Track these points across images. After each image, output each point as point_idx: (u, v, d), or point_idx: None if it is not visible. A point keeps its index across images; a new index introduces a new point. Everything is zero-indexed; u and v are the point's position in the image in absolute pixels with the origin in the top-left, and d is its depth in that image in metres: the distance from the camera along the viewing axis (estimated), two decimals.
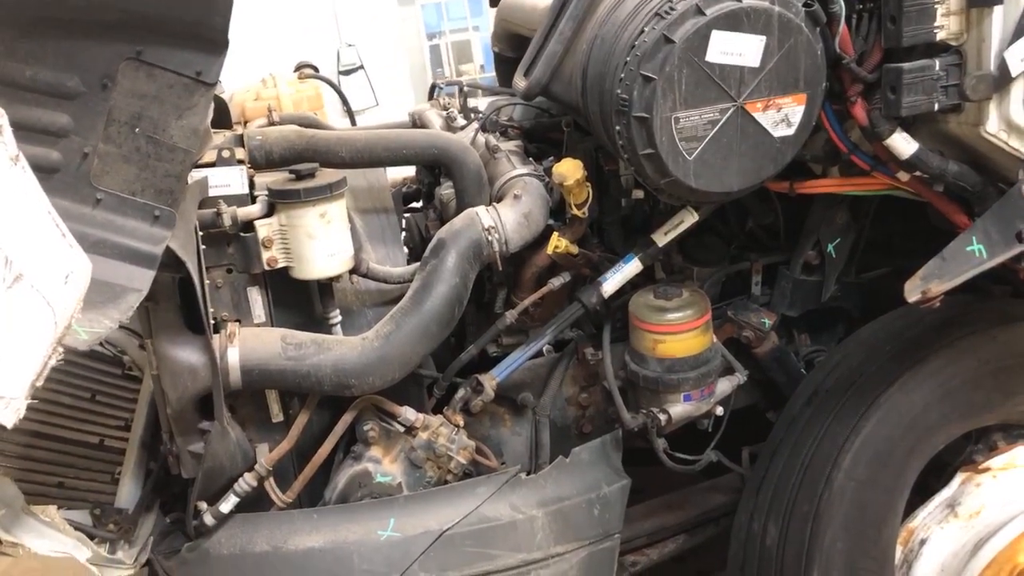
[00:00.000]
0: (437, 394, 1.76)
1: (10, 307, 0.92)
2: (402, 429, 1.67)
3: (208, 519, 1.57)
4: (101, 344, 1.73)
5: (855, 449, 1.64)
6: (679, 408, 1.73)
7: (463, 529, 1.58)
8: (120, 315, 1.21)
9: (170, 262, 1.34)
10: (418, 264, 1.66)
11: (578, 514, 1.67)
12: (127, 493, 1.77)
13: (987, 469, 1.71)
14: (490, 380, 1.71)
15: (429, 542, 1.56)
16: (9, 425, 0.93)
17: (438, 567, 1.55)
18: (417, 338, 1.57)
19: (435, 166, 2.10)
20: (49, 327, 0.98)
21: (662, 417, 1.72)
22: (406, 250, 1.95)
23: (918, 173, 1.47)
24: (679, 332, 1.70)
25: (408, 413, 1.66)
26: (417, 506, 1.61)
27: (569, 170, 1.61)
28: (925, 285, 1.43)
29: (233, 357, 1.49)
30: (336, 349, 1.54)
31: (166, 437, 1.62)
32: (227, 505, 1.58)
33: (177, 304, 1.49)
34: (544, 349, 1.80)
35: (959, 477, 1.72)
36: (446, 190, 1.89)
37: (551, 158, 1.81)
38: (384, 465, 1.67)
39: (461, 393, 1.70)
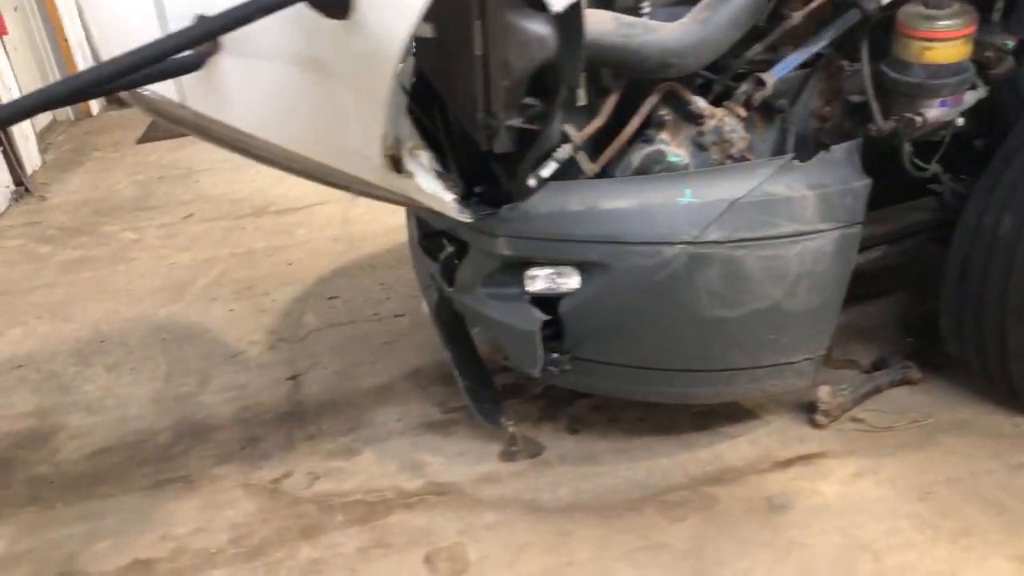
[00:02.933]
0: (715, 91, 1.95)
1: None
2: (693, 116, 1.88)
3: (532, 182, 1.81)
4: None
5: None
6: (934, 112, 1.93)
7: (750, 199, 1.82)
8: None
9: None
10: None
11: (836, 200, 1.91)
12: None
13: None
14: (770, 78, 1.90)
15: (723, 208, 1.81)
16: None
17: (730, 228, 1.81)
18: (729, 26, 1.75)
19: None
20: None
21: (918, 119, 1.92)
22: None
23: None
24: (947, 39, 1.87)
25: (699, 102, 1.87)
26: (709, 179, 1.85)
27: None
28: None
29: None
30: (662, 31, 1.73)
31: (480, 115, 1.83)
32: (547, 171, 1.82)
33: None
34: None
35: None
36: None
37: None
38: (672, 147, 1.89)
39: (744, 88, 1.90)
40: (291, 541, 2.01)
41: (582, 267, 1.88)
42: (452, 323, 2.33)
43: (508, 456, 2.22)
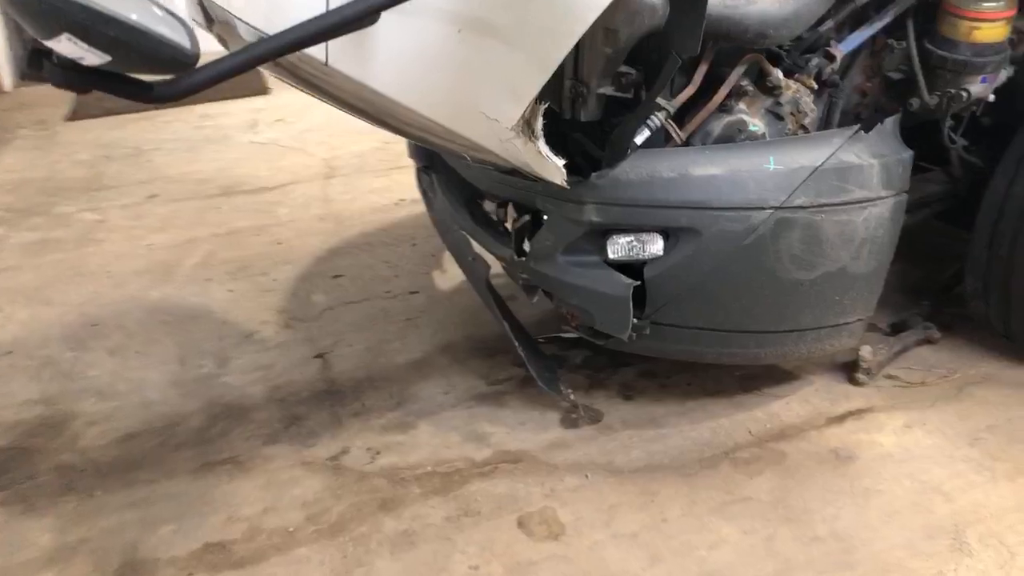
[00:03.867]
0: (785, 65, 2.03)
1: None
2: (770, 87, 1.96)
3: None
4: None
5: None
6: (977, 88, 2.09)
7: (828, 166, 1.92)
8: None
9: None
10: None
11: (892, 168, 2.03)
12: None
13: None
14: (839, 52, 2.00)
15: (806, 174, 1.90)
16: None
17: (813, 193, 1.90)
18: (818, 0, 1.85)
19: None
20: None
21: (964, 94, 2.08)
22: None
23: None
24: (994, 20, 2.02)
25: (778, 73, 1.95)
26: (790, 148, 1.94)
27: None
28: None
29: None
30: (760, 2, 1.80)
31: (569, 82, 1.85)
32: (640, 137, 1.86)
33: None
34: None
35: None
36: None
37: None
38: (751, 117, 1.97)
39: (816, 61, 2.00)
40: (371, 515, 1.98)
41: (667, 233, 1.93)
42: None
43: (570, 423, 2.25)
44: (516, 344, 2.26)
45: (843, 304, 2.07)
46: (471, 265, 2.38)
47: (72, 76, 1.17)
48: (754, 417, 2.22)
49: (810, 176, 1.90)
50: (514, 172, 2.04)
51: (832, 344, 2.15)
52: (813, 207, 1.91)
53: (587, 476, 2.05)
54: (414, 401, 2.39)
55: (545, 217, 2.04)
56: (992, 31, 2.03)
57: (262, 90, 5.42)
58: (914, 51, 2.10)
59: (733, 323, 2.02)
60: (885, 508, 1.89)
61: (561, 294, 2.07)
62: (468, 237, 2.37)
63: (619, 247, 1.96)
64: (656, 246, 1.95)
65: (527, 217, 2.10)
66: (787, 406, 2.25)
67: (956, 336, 2.47)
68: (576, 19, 1.46)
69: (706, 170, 1.89)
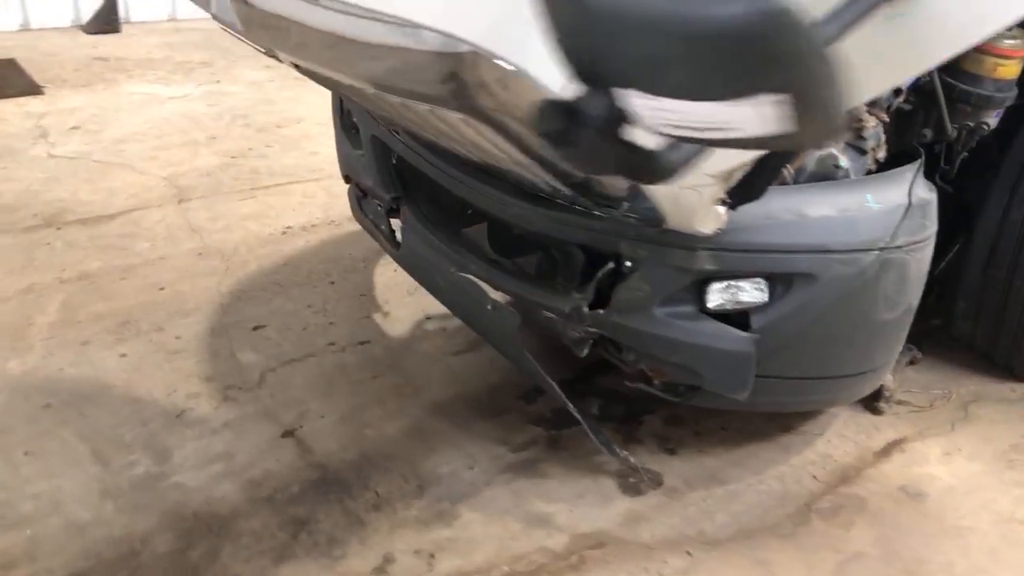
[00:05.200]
0: None
1: None
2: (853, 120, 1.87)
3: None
4: None
5: None
6: (993, 121, 2.16)
7: (912, 202, 1.87)
8: None
9: None
10: None
11: (934, 206, 2.05)
12: None
13: None
14: (904, 85, 1.96)
15: (902, 212, 1.83)
16: None
17: (907, 232, 1.84)
18: None
19: None
20: None
21: (983, 127, 2.14)
22: None
23: None
24: (1016, 58, 2.10)
25: (861, 106, 1.86)
26: (881, 185, 1.86)
27: None
28: None
29: None
30: None
31: None
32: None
33: None
34: None
35: None
36: None
37: None
38: (839, 153, 1.87)
39: (885, 96, 1.94)
40: None
41: (774, 278, 1.77)
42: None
43: (631, 489, 2.01)
44: (567, 403, 1.98)
45: (901, 339, 2.04)
46: (490, 316, 2.05)
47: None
48: (808, 460, 2.13)
49: (905, 214, 1.83)
50: (584, 210, 1.77)
51: (883, 379, 2.12)
52: (906, 246, 1.85)
53: (689, 554, 1.83)
54: (437, 482, 2.01)
55: (627, 263, 1.78)
56: (1013, 68, 2.11)
57: (33, 89, 4.46)
58: (938, 85, 2.12)
59: (825, 370, 1.91)
60: (983, 546, 1.89)
61: (656, 351, 1.83)
62: (477, 281, 2.04)
63: (721, 296, 1.77)
64: (761, 293, 1.78)
65: (610, 264, 1.83)
66: (831, 444, 2.19)
67: (928, 355, 2.57)
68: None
69: (820, 211, 1.75)
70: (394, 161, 2.31)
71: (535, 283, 1.98)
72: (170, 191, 3.41)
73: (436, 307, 2.68)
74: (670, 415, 2.25)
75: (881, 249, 1.79)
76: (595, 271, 1.84)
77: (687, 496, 2.00)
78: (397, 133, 2.18)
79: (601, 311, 1.82)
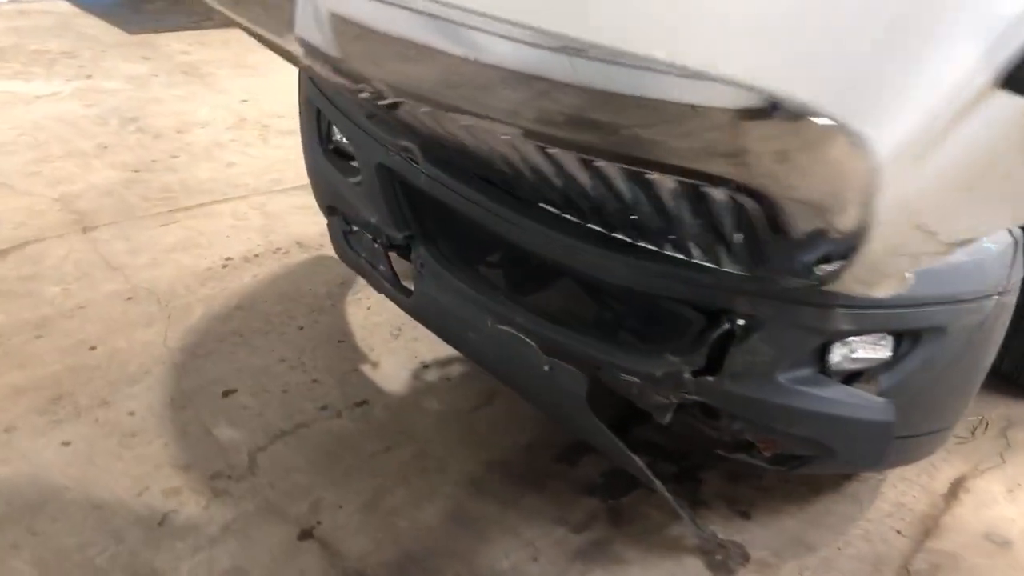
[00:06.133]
0: None
1: None
2: None
3: None
4: None
5: None
6: None
7: (1017, 239, 1.73)
8: None
9: None
10: None
11: None
12: None
13: None
14: None
15: (1012, 251, 1.67)
16: None
17: (1017, 273, 1.69)
18: None
19: None
20: None
21: None
22: None
23: None
24: None
25: None
26: None
27: None
28: None
29: None
30: None
31: None
32: None
33: None
34: None
35: None
36: None
37: None
38: None
39: None
40: None
41: (902, 334, 1.58)
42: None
43: (720, 567, 1.78)
44: (652, 479, 1.72)
45: None
46: (545, 378, 1.75)
47: None
48: (884, 512, 1.97)
49: (1015, 254, 1.69)
50: (687, 261, 1.51)
51: None
52: (1013, 287, 1.71)
53: None
54: None
55: (739, 322, 1.53)
56: None
57: None
58: None
59: (937, 423, 1.74)
60: None
61: (777, 423, 1.59)
62: (527, 339, 1.74)
63: (840, 355, 1.55)
64: (884, 350, 1.58)
65: (727, 325, 1.56)
66: (897, 489, 2.04)
67: None
68: None
69: (955, 256, 1.56)
70: (404, 193, 1.95)
71: (612, 342, 1.70)
72: (68, 216, 2.84)
73: (429, 351, 2.35)
74: (727, 473, 2.03)
75: (1000, 293, 1.64)
76: (701, 330, 1.59)
77: (779, 570, 1.79)
78: (416, 162, 1.82)
79: (710, 378, 1.56)
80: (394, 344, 2.38)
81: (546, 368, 1.73)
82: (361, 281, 2.62)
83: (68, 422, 1.95)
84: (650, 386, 1.66)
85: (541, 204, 1.63)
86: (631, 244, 1.56)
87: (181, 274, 2.58)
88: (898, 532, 1.92)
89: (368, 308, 2.52)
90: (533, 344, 1.74)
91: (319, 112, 2.12)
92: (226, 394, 2.11)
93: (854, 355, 1.57)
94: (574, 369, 1.71)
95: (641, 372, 1.63)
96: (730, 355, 1.54)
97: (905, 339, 1.57)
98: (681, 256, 1.50)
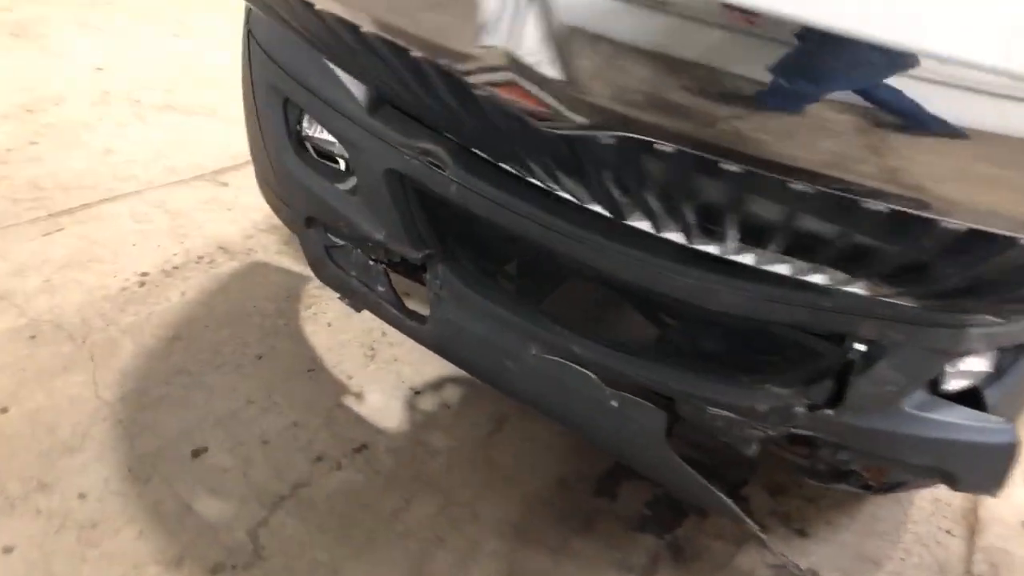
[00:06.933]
0: None
1: None
2: None
3: None
4: None
5: None
6: None
7: None
8: None
9: None
10: None
11: None
12: None
13: None
14: None
15: None
16: None
17: None
18: None
19: None
20: None
21: None
22: None
23: None
24: None
25: None
26: None
27: None
28: None
29: None
30: None
31: None
32: None
33: None
34: None
35: None
36: None
37: None
38: None
39: None
40: None
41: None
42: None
43: None
44: (744, 519, 1.55)
45: None
46: (611, 414, 1.54)
47: None
48: (927, 512, 1.92)
49: None
50: (804, 283, 1.34)
51: None
52: None
53: None
54: None
55: (862, 349, 1.38)
56: None
57: None
58: None
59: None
60: None
61: (902, 454, 1.45)
62: (584, 371, 1.52)
63: (956, 373, 1.44)
64: (984, 363, 1.48)
65: (850, 354, 1.39)
66: (933, 489, 2.00)
67: None
68: None
69: None
70: (420, 204, 1.63)
71: (697, 373, 1.49)
72: None
73: (415, 373, 2.05)
74: (772, 486, 1.92)
75: None
76: (814, 359, 1.41)
77: None
78: (442, 168, 1.51)
79: (829, 411, 1.40)
80: (372, 368, 2.06)
81: (613, 404, 1.51)
82: (311, 292, 2.26)
83: (20, 506, 1.51)
84: (748, 421, 1.48)
85: (629, 222, 1.38)
86: (743, 266, 1.35)
87: (90, 299, 2.10)
88: (948, 532, 1.87)
89: (329, 325, 2.17)
90: (593, 376, 1.51)
91: (287, 102, 1.74)
92: (196, 454, 1.72)
93: (969, 371, 1.46)
94: (649, 404, 1.50)
95: (740, 406, 1.44)
96: (853, 385, 1.38)
97: (1008, 351, 1.48)
98: (811, 280, 1.31)
